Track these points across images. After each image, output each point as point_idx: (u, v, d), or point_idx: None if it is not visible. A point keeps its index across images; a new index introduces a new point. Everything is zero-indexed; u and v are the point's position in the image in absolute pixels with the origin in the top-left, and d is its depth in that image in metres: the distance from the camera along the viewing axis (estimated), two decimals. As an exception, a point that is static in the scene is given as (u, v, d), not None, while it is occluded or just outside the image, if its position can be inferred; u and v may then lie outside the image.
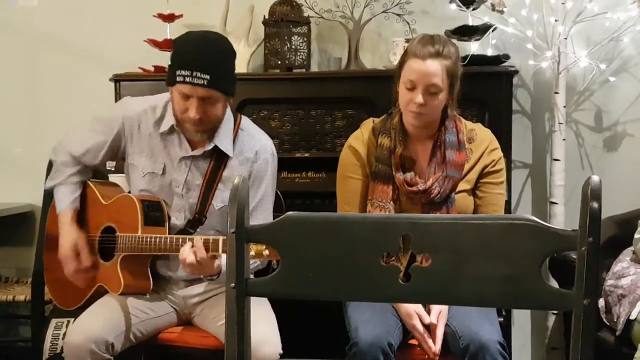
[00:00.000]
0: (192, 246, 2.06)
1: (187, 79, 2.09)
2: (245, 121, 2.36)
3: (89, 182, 2.38)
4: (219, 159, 2.25)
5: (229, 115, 2.27)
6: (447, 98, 2.15)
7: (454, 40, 2.89)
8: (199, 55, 2.11)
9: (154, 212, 2.22)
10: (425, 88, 2.09)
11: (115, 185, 2.47)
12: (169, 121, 2.24)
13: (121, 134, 2.30)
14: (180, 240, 2.12)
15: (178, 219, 2.26)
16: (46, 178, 2.70)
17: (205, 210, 2.25)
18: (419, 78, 2.09)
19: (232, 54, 2.20)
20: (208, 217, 2.25)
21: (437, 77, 2.08)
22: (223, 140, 2.24)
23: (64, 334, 2.42)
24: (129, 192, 2.35)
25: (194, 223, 2.26)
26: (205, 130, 2.20)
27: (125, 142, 2.30)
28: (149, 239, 2.15)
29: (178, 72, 2.10)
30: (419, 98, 2.09)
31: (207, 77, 2.08)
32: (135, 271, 2.22)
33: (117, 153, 2.34)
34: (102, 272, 2.26)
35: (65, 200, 2.30)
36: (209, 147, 2.23)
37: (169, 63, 2.18)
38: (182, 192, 2.25)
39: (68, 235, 2.26)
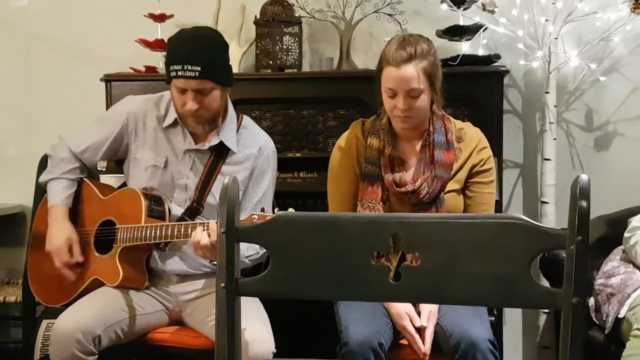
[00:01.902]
0: (204, 229, 2.09)
1: (180, 73, 2.16)
2: (247, 120, 2.42)
3: (85, 180, 2.40)
4: (220, 153, 2.30)
5: (232, 114, 2.35)
6: (431, 95, 2.16)
7: (445, 40, 2.93)
8: (189, 48, 2.18)
9: (156, 206, 2.25)
10: (405, 93, 2.10)
11: (109, 185, 2.49)
12: (172, 115, 2.30)
13: (124, 132, 2.34)
14: (183, 227, 2.14)
15: (177, 211, 2.28)
16: (37, 178, 2.71)
17: (203, 199, 2.27)
18: (397, 85, 2.10)
19: (224, 45, 2.27)
20: (206, 208, 2.28)
21: (414, 80, 2.09)
22: (228, 136, 2.30)
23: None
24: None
25: (192, 212, 2.28)
26: (205, 121, 2.26)
27: (129, 139, 2.34)
28: (151, 228, 2.17)
29: (171, 68, 2.18)
30: (401, 104, 2.11)
31: (198, 68, 2.15)
32: (133, 264, 2.25)
33: (118, 152, 2.38)
34: (97, 265, 2.26)
35: (59, 196, 2.32)
36: (215, 142, 2.29)
37: (165, 62, 2.25)
38: (185, 183, 2.28)
39: (61, 230, 2.27)
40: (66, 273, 2.27)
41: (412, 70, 2.08)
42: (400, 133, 2.24)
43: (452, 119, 2.29)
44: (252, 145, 2.34)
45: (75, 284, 2.29)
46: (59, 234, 2.27)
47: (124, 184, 2.48)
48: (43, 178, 2.39)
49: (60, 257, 2.26)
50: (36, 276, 2.41)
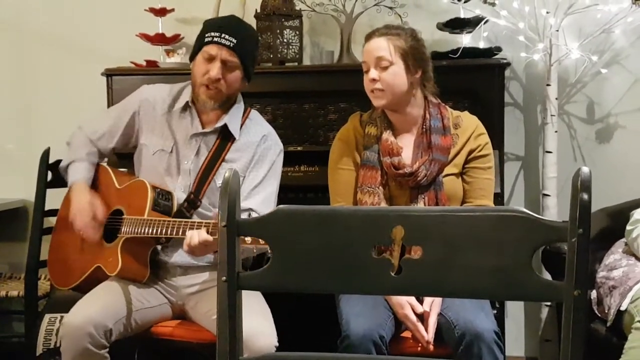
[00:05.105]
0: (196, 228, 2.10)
1: (215, 39, 2.22)
2: (254, 113, 2.46)
3: (105, 165, 2.44)
4: (225, 140, 2.33)
5: (241, 103, 2.39)
6: (407, 77, 2.17)
7: (446, 33, 2.93)
8: (230, 23, 2.30)
9: (164, 201, 2.25)
10: (374, 64, 2.17)
11: (130, 173, 2.49)
12: (184, 99, 2.34)
13: (135, 117, 2.38)
14: (182, 225, 2.14)
15: (181, 197, 2.30)
16: (38, 173, 2.72)
17: (201, 192, 2.28)
18: (367, 56, 2.19)
19: (258, 43, 2.42)
20: (208, 196, 2.28)
21: (383, 50, 2.16)
22: (232, 120, 2.33)
23: (58, 329, 2.42)
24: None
25: (190, 204, 2.28)
26: (217, 98, 2.27)
27: (140, 124, 2.38)
28: (153, 223, 2.17)
29: (207, 35, 2.25)
30: (371, 73, 2.17)
31: (234, 40, 2.23)
32: (135, 256, 2.25)
33: (130, 139, 2.42)
34: (102, 253, 2.27)
35: (79, 174, 2.36)
36: (219, 124, 2.31)
37: (197, 38, 2.31)
38: (188, 168, 2.30)
39: (84, 196, 2.29)
40: (86, 232, 2.26)
41: (382, 42, 2.17)
42: (396, 122, 2.25)
43: (448, 108, 2.31)
44: (255, 134, 2.37)
45: (82, 269, 2.31)
46: (81, 198, 2.28)
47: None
48: (64, 163, 2.44)
49: (81, 217, 2.25)
50: (54, 258, 2.46)
